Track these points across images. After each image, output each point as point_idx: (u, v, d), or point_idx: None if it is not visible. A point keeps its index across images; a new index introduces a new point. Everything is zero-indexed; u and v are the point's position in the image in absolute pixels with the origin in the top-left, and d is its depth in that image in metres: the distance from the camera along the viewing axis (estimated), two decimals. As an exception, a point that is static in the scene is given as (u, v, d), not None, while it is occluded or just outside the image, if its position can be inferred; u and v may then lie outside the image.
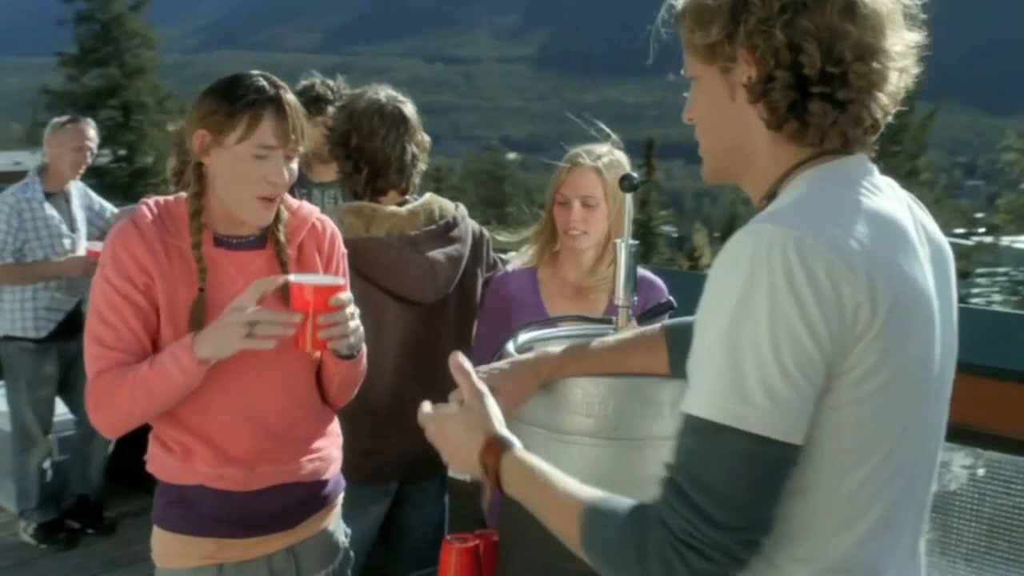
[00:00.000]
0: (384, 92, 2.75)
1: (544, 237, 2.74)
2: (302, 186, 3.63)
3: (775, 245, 1.15)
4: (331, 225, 2.26)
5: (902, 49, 1.29)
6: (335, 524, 2.31)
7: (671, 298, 2.00)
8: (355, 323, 2.05)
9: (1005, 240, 32.94)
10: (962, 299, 1.53)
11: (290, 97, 2.04)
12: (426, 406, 1.61)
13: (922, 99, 28.75)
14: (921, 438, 1.30)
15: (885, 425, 1.23)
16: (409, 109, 2.75)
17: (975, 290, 29.51)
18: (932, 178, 30.62)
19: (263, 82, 2.03)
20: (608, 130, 2.71)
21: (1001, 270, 33.32)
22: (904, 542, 1.31)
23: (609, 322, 1.99)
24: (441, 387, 2.78)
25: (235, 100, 2.00)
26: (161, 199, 2.13)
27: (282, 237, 2.14)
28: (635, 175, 1.95)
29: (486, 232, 2.97)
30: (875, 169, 1.35)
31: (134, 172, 34.23)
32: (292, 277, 2.04)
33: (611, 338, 1.84)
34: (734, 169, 1.42)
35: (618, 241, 1.90)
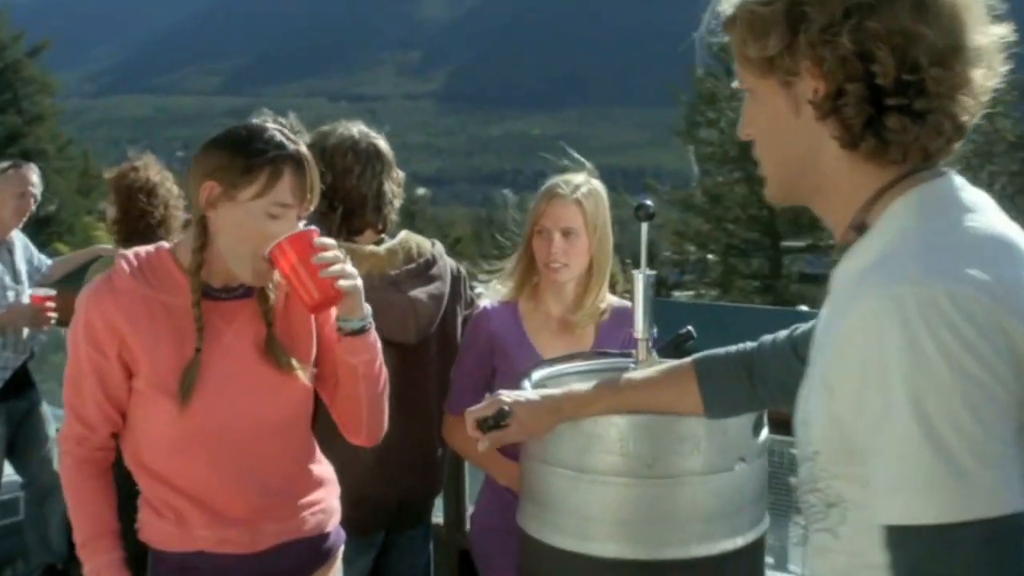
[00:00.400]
0: (356, 128, 2.66)
1: (522, 270, 2.65)
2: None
3: (926, 306, 1.02)
4: None
5: (987, 44, 1.16)
6: None
7: (691, 328, 1.94)
8: (350, 267, 1.94)
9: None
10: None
11: (307, 153, 1.96)
12: None
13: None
14: None
15: None
16: (383, 144, 2.67)
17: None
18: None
19: (282, 137, 1.93)
20: (582, 159, 2.66)
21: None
22: None
23: (629, 355, 1.94)
24: (425, 430, 2.72)
25: (254, 154, 1.89)
26: (141, 250, 2.01)
27: (271, 293, 2.04)
28: (650, 203, 1.89)
29: (463, 269, 2.89)
30: (967, 184, 1.21)
31: (37, 221, 33.20)
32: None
33: (636, 375, 1.78)
34: (803, 190, 1.30)
35: (636, 272, 1.85)
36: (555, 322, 2.65)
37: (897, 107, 1.15)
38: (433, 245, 2.79)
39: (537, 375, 1.99)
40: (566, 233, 2.54)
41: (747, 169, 28.89)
